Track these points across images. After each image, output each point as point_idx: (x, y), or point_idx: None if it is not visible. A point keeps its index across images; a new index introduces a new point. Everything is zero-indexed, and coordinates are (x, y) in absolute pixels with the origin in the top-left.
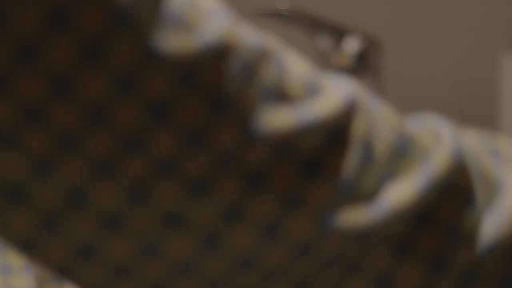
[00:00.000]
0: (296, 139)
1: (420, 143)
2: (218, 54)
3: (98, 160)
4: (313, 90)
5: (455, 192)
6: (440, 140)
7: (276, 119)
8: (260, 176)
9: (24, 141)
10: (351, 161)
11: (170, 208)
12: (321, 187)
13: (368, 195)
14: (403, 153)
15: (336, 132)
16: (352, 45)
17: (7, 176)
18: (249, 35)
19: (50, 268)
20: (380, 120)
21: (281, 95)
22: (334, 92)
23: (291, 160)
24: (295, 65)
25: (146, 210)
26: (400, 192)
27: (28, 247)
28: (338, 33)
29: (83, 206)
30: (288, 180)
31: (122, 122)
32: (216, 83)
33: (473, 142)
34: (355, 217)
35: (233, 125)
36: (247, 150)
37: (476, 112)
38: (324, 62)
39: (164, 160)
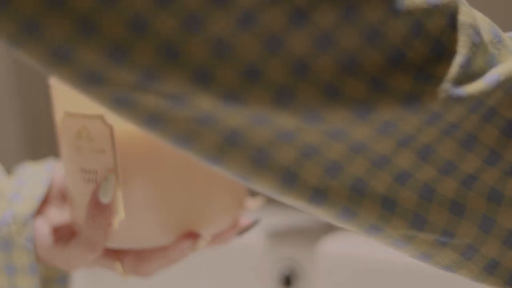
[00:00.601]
0: (425, 16)
1: (504, 33)
2: None
3: None
4: None
5: None
6: None
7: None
8: (399, 52)
9: None
10: (465, 42)
11: (327, 28)
12: (445, 64)
13: (480, 74)
14: (499, 40)
15: (451, 16)
16: None
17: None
18: None
19: (189, 74)
20: (476, 13)
21: None
22: None
23: (422, 38)
24: None
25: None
26: (504, 67)
27: (172, 50)
28: None
29: (252, 26)
30: (421, 57)
31: None
32: None
33: None
34: (471, 87)
35: (379, 2)
36: (390, 23)
37: None
38: None
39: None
